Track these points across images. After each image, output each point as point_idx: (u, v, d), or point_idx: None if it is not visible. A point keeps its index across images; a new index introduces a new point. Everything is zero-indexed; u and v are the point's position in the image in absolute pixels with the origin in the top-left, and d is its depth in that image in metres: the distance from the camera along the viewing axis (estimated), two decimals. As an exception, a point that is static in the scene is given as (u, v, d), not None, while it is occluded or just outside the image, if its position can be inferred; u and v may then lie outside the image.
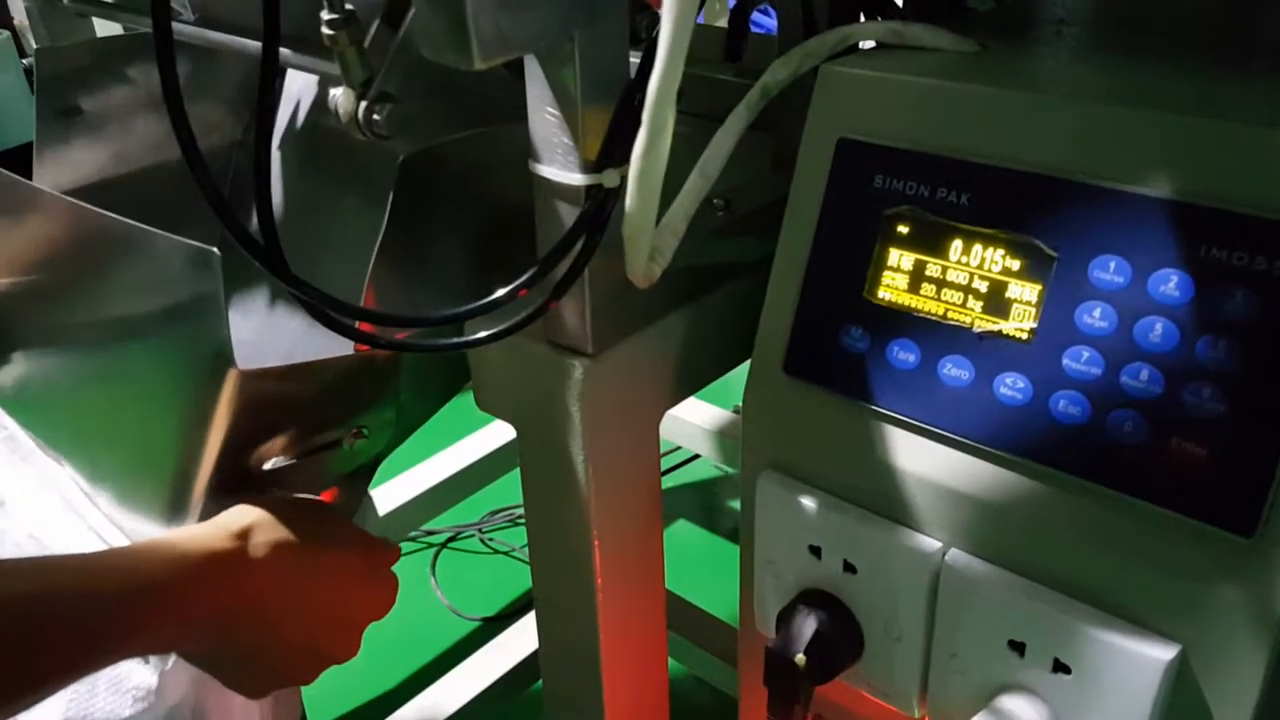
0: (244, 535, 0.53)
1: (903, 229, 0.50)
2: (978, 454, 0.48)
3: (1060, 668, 0.47)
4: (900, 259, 0.50)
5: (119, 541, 0.63)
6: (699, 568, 1.37)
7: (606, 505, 0.60)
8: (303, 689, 0.99)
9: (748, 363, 0.58)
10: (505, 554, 1.46)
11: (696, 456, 1.56)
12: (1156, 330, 0.43)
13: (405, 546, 1.46)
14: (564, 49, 0.47)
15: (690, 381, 0.64)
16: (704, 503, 1.56)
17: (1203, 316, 0.42)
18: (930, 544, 0.50)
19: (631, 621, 0.67)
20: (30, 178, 0.71)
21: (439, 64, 0.44)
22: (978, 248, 0.48)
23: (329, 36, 0.52)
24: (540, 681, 0.75)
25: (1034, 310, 0.46)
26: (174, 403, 0.57)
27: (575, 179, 0.50)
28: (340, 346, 0.54)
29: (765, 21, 1.52)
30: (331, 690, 1.24)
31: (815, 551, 0.54)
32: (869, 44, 0.56)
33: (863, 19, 0.68)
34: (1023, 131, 0.47)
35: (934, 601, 0.51)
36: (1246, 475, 0.41)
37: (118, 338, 0.60)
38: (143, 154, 0.77)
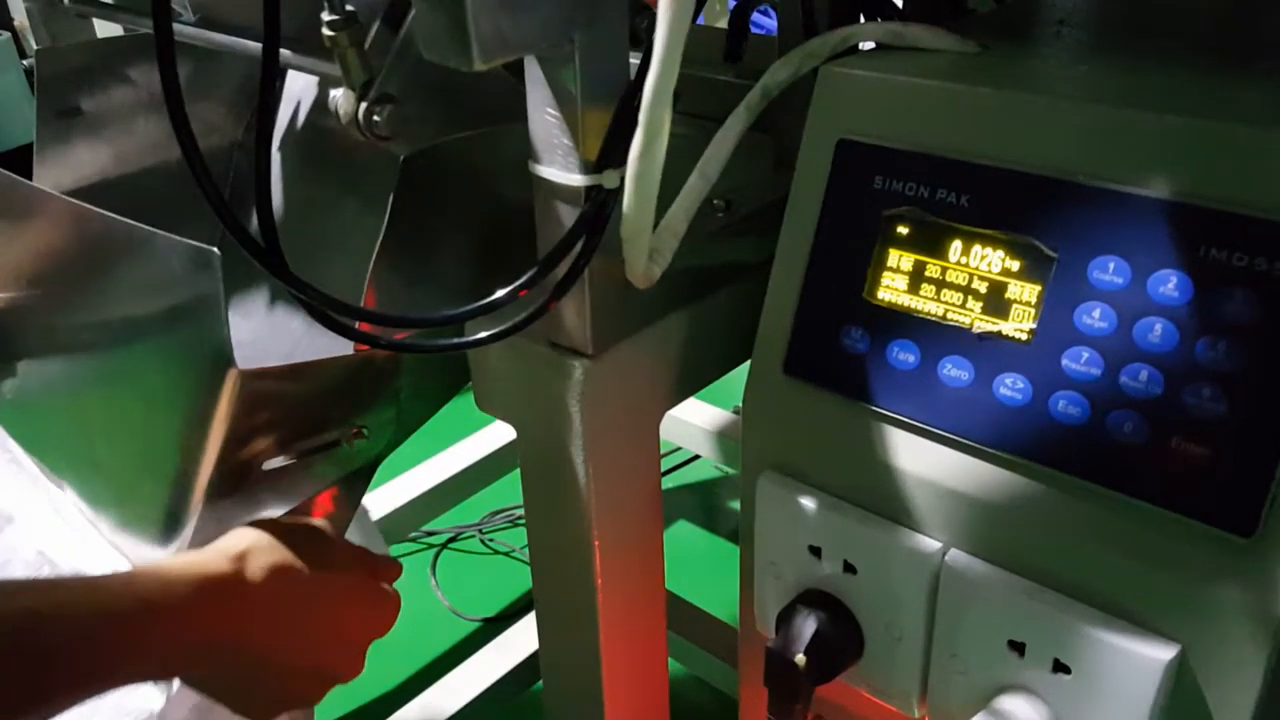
0: (241, 559, 0.52)
1: (903, 230, 0.50)
2: (977, 454, 0.48)
3: (1060, 668, 0.47)
4: (900, 260, 0.50)
5: (124, 558, 0.63)
6: (699, 568, 1.37)
7: (607, 506, 0.60)
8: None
9: (748, 363, 0.58)
10: (506, 555, 1.46)
11: (697, 457, 1.56)
12: (1156, 331, 0.43)
13: (406, 547, 1.46)
14: (564, 50, 0.47)
15: (690, 382, 0.64)
16: (704, 503, 1.56)
17: (1202, 317, 0.42)
18: (930, 544, 0.50)
19: (632, 622, 0.67)
20: (30, 178, 0.71)
21: (439, 65, 0.45)
22: (977, 248, 0.48)
23: (329, 37, 0.52)
24: (541, 682, 0.75)
25: (1033, 311, 0.46)
26: (174, 403, 0.57)
27: (575, 180, 0.50)
28: (340, 347, 0.54)
29: (765, 22, 1.52)
30: (332, 691, 1.24)
31: (815, 552, 0.54)
32: (869, 45, 0.56)
33: (863, 20, 0.68)
34: (1023, 132, 0.47)
35: (934, 602, 0.51)
36: (1246, 475, 0.41)
37: (118, 338, 0.60)
38: (143, 155, 0.77)
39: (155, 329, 0.57)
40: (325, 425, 0.61)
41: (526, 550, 0.69)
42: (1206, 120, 0.42)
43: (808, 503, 0.54)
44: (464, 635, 1.33)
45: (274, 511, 0.64)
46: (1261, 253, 0.41)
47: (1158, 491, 0.43)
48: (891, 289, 0.50)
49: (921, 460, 0.50)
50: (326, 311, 0.49)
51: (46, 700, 0.44)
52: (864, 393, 0.51)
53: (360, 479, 0.68)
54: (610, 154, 0.50)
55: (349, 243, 0.72)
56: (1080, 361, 0.45)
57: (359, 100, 0.54)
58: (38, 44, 0.81)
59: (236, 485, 0.58)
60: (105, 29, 0.82)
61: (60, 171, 0.74)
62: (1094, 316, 0.45)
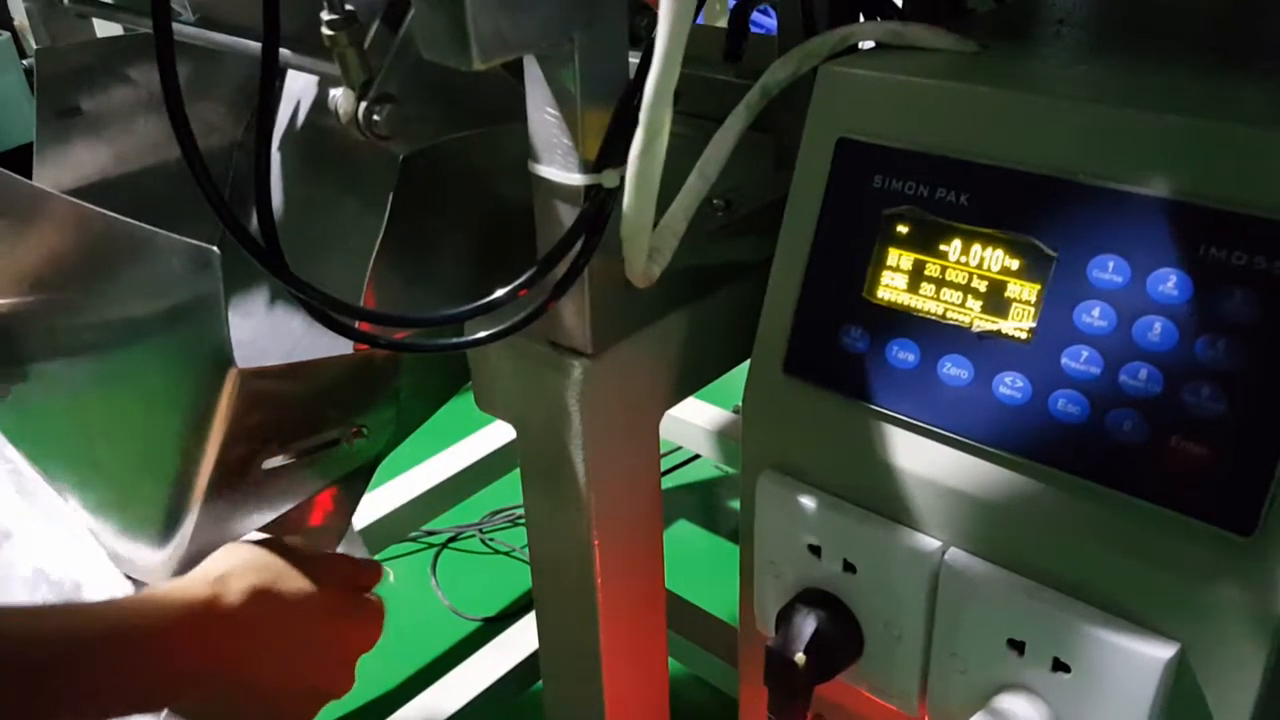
0: (219, 584, 0.52)
1: (902, 229, 0.50)
2: (977, 453, 0.48)
3: (1060, 666, 0.47)
4: (900, 259, 0.50)
5: (123, 574, 0.63)
6: (699, 568, 1.37)
7: (606, 505, 0.60)
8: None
9: (748, 362, 0.58)
10: (506, 554, 1.46)
11: (697, 457, 1.56)
12: (1155, 329, 0.43)
13: (406, 547, 1.46)
14: (563, 50, 0.47)
15: (690, 381, 0.64)
16: (704, 503, 1.56)
17: (1202, 316, 0.42)
18: (930, 543, 0.50)
19: (632, 621, 0.67)
20: (30, 178, 0.71)
21: (439, 65, 0.45)
22: (977, 247, 0.48)
23: (329, 37, 0.53)
24: (541, 682, 0.75)
25: (1033, 310, 0.46)
26: (174, 402, 0.57)
27: (575, 179, 0.50)
28: (340, 346, 0.54)
29: (765, 22, 1.52)
30: (332, 690, 1.24)
31: (815, 551, 0.54)
32: (869, 44, 0.57)
33: (862, 19, 0.68)
34: (1022, 131, 0.47)
35: (933, 600, 0.51)
36: (1245, 474, 0.41)
37: (118, 337, 0.60)
38: (143, 154, 0.77)
39: (155, 328, 0.57)
40: (325, 424, 0.61)
41: (526, 550, 0.69)
42: (1206, 120, 0.43)
43: (807, 502, 0.54)
44: (464, 635, 1.33)
45: (274, 512, 0.64)
46: (1261, 251, 0.41)
47: (1157, 490, 0.43)
48: (891, 288, 0.50)
49: (921, 459, 0.50)
50: (326, 311, 0.49)
51: None
52: (864, 392, 0.51)
53: (360, 478, 0.68)
54: (610, 153, 0.50)
55: (349, 242, 0.72)
56: (1080, 360, 0.45)
57: (358, 100, 0.54)
58: (37, 43, 0.82)
59: (236, 484, 0.58)
60: (105, 29, 0.82)
61: (60, 171, 0.75)
62: (1093, 315, 0.45)
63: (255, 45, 0.50)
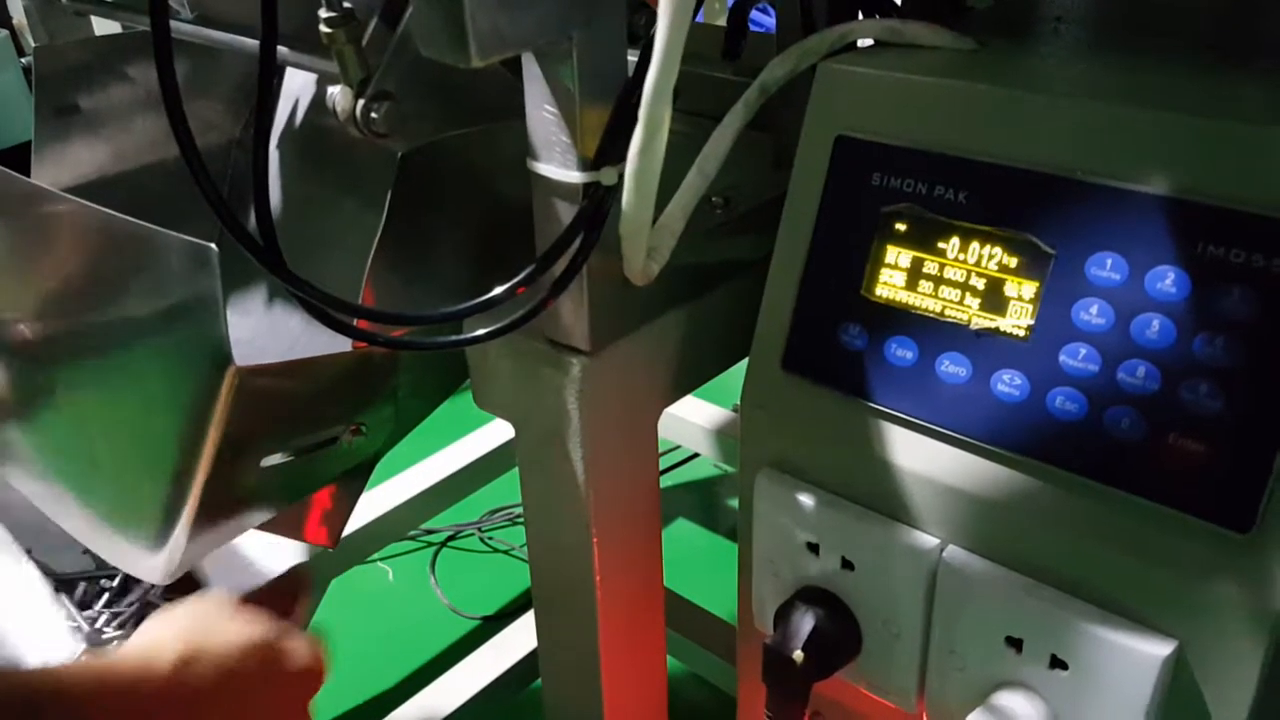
0: (148, 654, 0.50)
1: (901, 226, 0.50)
2: (975, 451, 0.48)
3: (1057, 664, 0.47)
4: (898, 256, 0.50)
5: (76, 640, 0.61)
6: (698, 566, 1.37)
7: (605, 503, 0.60)
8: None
9: (747, 360, 0.58)
10: (505, 553, 1.46)
11: (696, 455, 1.56)
12: (1153, 327, 0.43)
13: (404, 545, 1.46)
14: (562, 47, 0.47)
15: (689, 379, 0.64)
16: (703, 501, 1.56)
17: (1200, 313, 0.42)
18: (928, 541, 0.50)
19: (630, 620, 0.67)
20: (29, 176, 0.71)
21: (437, 62, 0.45)
22: (975, 245, 0.48)
23: (327, 34, 0.53)
24: (540, 680, 0.75)
25: (1031, 307, 0.46)
26: (172, 400, 0.57)
27: (573, 177, 0.50)
28: (338, 344, 0.54)
29: (764, 20, 1.52)
30: (331, 689, 1.24)
31: (813, 549, 0.54)
32: (867, 42, 0.57)
33: (861, 17, 0.68)
34: (1020, 129, 0.47)
35: (932, 598, 0.51)
36: (1243, 471, 0.41)
37: (116, 334, 0.60)
38: (141, 152, 0.77)
39: (154, 326, 0.57)
40: (324, 422, 0.61)
41: (525, 548, 0.69)
42: (1205, 118, 0.43)
43: (805, 499, 0.54)
44: (463, 633, 1.33)
45: (272, 510, 0.64)
46: (1259, 249, 0.41)
47: (1155, 487, 0.43)
48: (889, 285, 0.51)
49: (919, 457, 0.50)
50: (325, 309, 0.49)
51: None
52: (862, 389, 0.51)
53: (358, 476, 0.68)
54: (608, 151, 0.50)
55: (347, 240, 0.72)
56: (1078, 358, 0.45)
57: (356, 97, 0.54)
58: (36, 42, 0.82)
59: (235, 482, 0.58)
60: (103, 26, 0.82)
61: (58, 170, 0.75)
62: (1091, 313, 0.45)
63: (253, 43, 0.51)
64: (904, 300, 0.50)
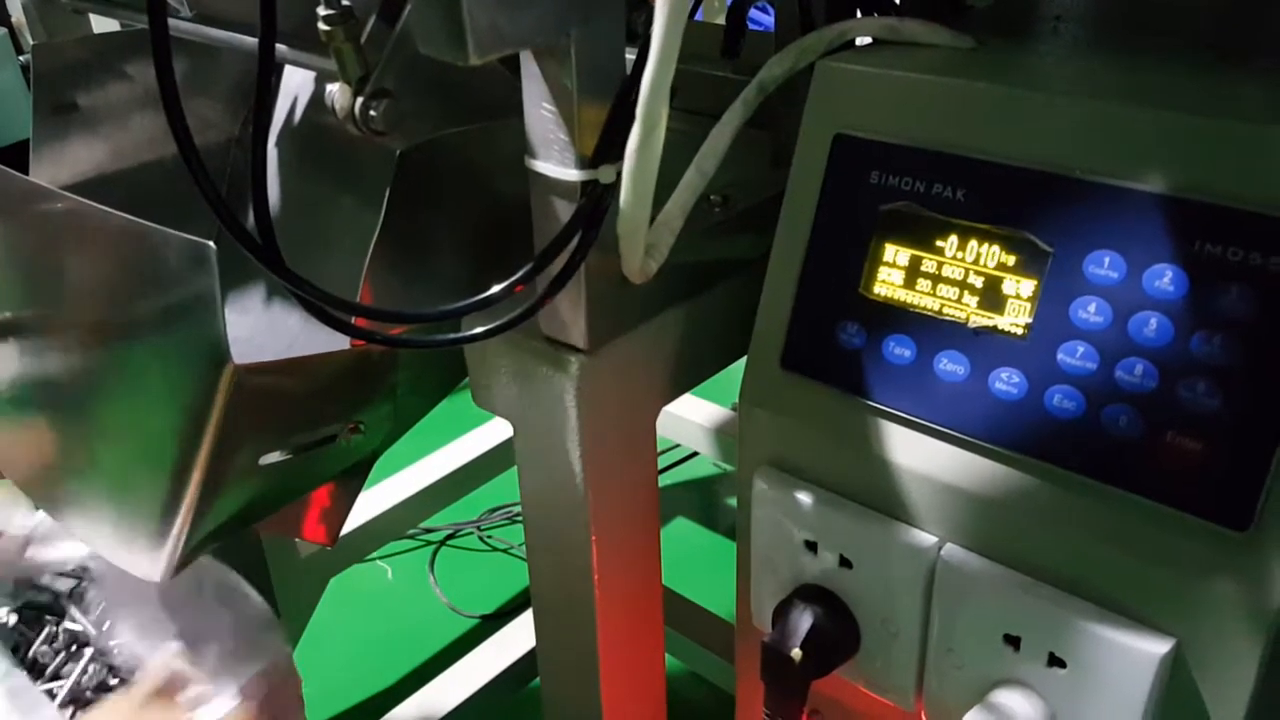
0: None
1: (899, 224, 0.50)
2: (973, 449, 0.48)
3: (1055, 662, 0.47)
4: (896, 254, 0.50)
5: None
6: (697, 565, 1.37)
7: (603, 502, 0.60)
8: (301, 685, 0.99)
9: (745, 359, 0.58)
10: (503, 551, 1.46)
11: (695, 454, 1.57)
12: (1151, 325, 0.43)
13: (403, 544, 1.46)
14: (560, 45, 0.47)
15: (687, 378, 0.64)
16: (702, 500, 1.56)
17: (1197, 311, 0.42)
18: (926, 539, 0.50)
19: (629, 618, 0.67)
20: (27, 174, 0.71)
21: (435, 60, 0.45)
22: (973, 243, 0.48)
23: (325, 32, 0.53)
24: (538, 679, 0.75)
25: (1029, 305, 0.46)
26: (171, 398, 0.57)
27: (571, 175, 0.50)
28: (337, 342, 0.54)
29: (763, 19, 1.52)
30: (330, 687, 1.24)
31: (811, 547, 0.54)
32: (866, 40, 0.57)
33: (859, 15, 0.68)
34: (1019, 127, 0.47)
35: (930, 596, 0.51)
36: (1241, 469, 0.41)
37: (114, 333, 0.60)
38: (140, 151, 0.77)
39: (152, 324, 0.57)
40: (322, 421, 0.61)
41: (524, 547, 0.69)
42: (1203, 116, 0.43)
43: (804, 497, 0.54)
44: (462, 632, 1.33)
45: (271, 508, 0.64)
46: (1257, 247, 0.41)
47: (1152, 485, 0.43)
48: (888, 284, 0.51)
49: (917, 455, 0.50)
50: (323, 307, 0.49)
51: None
52: (860, 387, 0.51)
53: (357, 475, 0.68)
54: (606, 149, 0.50)
55: (346, 238, 0.72)
56: (1075, 356, 0.45)
57: (355, 95, 0.54)
58: (34, 39, 0.82)
59: (233, 481, 0.58)
60: (102, 24, 0.82)
61: (57, 168, 0.74)
62: (1089, 311, 0.45)
63: (252, 41, 0.50)
64: (902, 298, 0.50)
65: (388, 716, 1.03)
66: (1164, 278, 0.43)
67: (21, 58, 2.03)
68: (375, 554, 1.37)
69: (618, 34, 0.49)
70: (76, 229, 0.58)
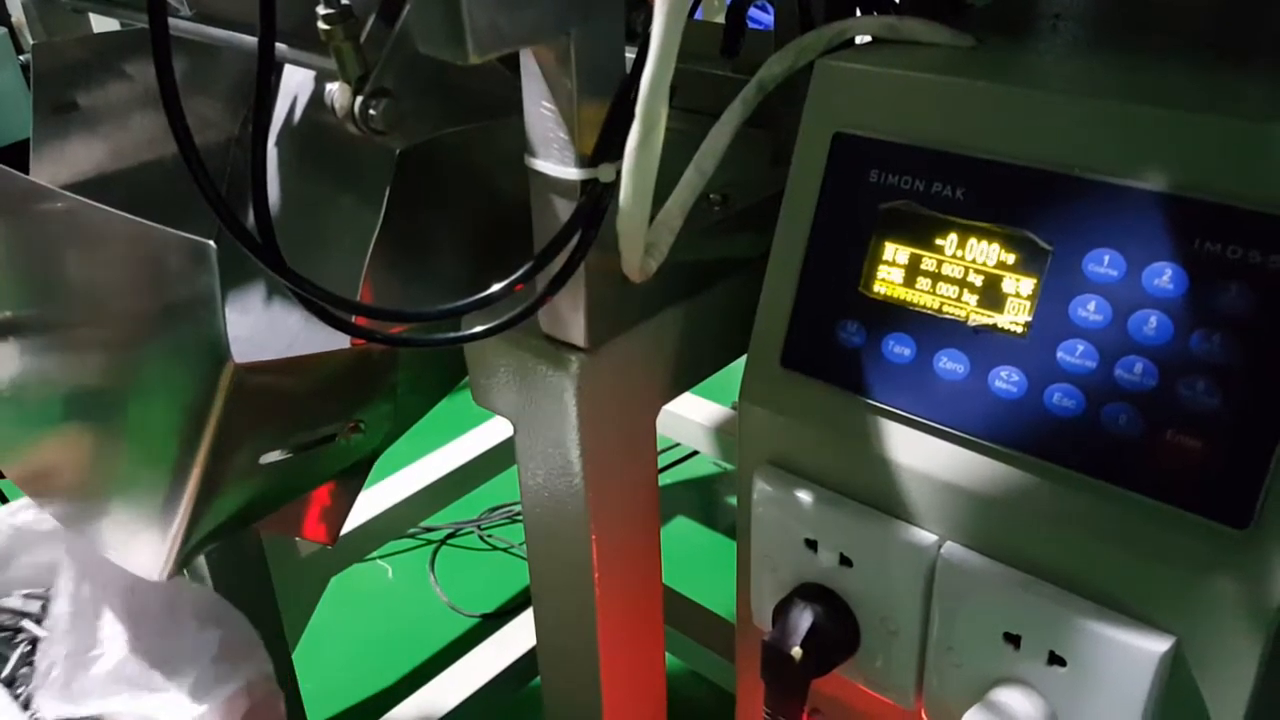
0: None
1: (898, 223, 0.50)
2: (973, 447, 0.48)
3: (1056, 660, 0.47)
4: (896, 253, 0.50)
5: None
6: (697, 564, 1.37)
7: (603, 501, 0.60)
8: (300, 685, 0.99)
9: (745, 357, 0.58)
10: (504, 550, 1.47)
11: (695, 453, 1.57)
12: (1151, 323, 0.43)
13: (404, 543, 1.46)
14: (560, 44, 0.47)
15: (687, 377, 0.64)
16: (702, 499, 1.57)
17: (1197, 310, 0.42)
18: (926, 537, 0.50)
19: (629, 617, 0.67)
20: (27, 174, 0.71)
21: (435, 59, 0.45)
22: (973, 241, 0.48)
23: (325, 31, 0.53)
24: (539, 678, 0.75)
25: (1029, 304, 0.46)
26: (170, 397, 0.57)
27: (571, 174, 0.50)
28: (337, 341, 0.55)
29: (763, 18, 1.52)
30: (331, 687, 1.24)
31: (811, 545, 0.54)
32: (865, 39, 0.57)
33: (859, 13, 0.68)
34: (1018, 126, 0.47)
35: (930, 595, 0.51)
36: (1240, 467, 0.41)
37: (114, 332, 0.60)
38: (140, 150, 0.77)
39: (152, 323, 0.57)
40: (322, 420, 0.61)
41: (524, 546, 0.69)
42: (1202, 114, 0.43)
43: (804, 496, 0.54)
44: (462, 631, 1.33)
45: (271, 508, 0.64)
46: (1256, 246, 0.41)
47: (1152, 484, 0.43)
48: (887, 282, 0.51)
49: (917, 453, 0.50)
50: (323, 306, 0.49)
51: None
52: (860, 386, 0.51)
53: (357, 474, 0.68)
54: (606, 148, 0.50)
55: (345, 237, 0.72)
56: (1075, 354, 0.45)
57: (355, 94, 0.54)
58: (34, 39, 0.81)
59: (233, 480, 0.58)
60: (102, 24, 0.82)
61: (57, 168, 0.74)
62: (1089, 309, 0.45)
63: (251, 40, 0.50)
64: (902, 297, 0.50)
65: (388, 716, 1.04)
66: (1163, 276, 0.43)
67: (22, 57, 2.03)
68: (375, 553, 1.37)
69: (617, 33, 0.49)
70: (77, 229, 0.58)
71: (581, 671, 0.68)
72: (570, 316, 0.55)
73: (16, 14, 2.02)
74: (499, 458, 1.34)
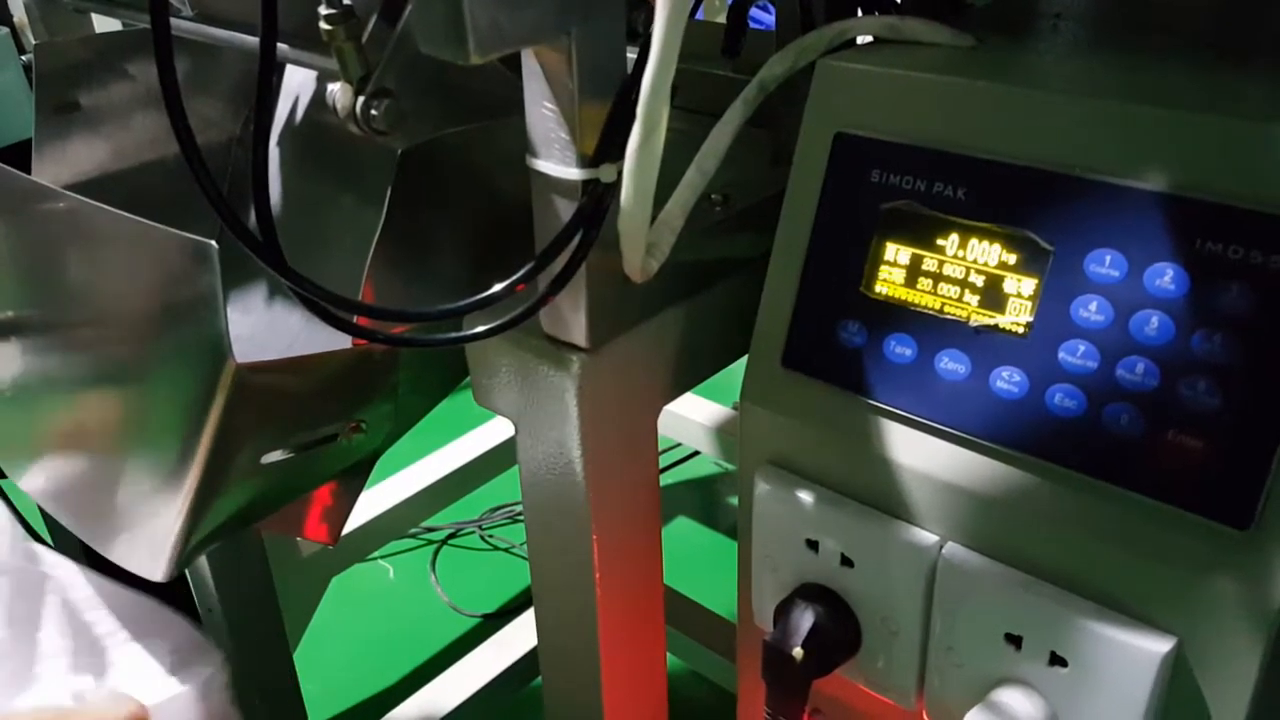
0: None
1: (900, 223, 0.50)
2: (974, 448, 0.48)
3: (1057, 661, 0.47)
4: (897, 253, 0.50)
5: None
6: (698, 564, 1.37)
7: (605, 501, 0.60)
8: (302, 685, 1.00)
9: (746, 358, 0.58)
10: (505, 551, 1.47)
11: (696, 453, 1.57)
12: (1152, 324, 0.43)
13: (405, 543, 1.46)
14: (561, 44, 0.47)
15: (688, 377, 0.64)
16: (703, 499, 1.57)
17: (1198, 310, 0.42)
18: (927, 538, 0.50)
19: (630, 617, 0.67)
20: (29, 174, 0.71)
21: (436, 59, 0.45)
22: (974, 242, 0.48)
23: (326, 31, 0.53)
24: (540, 678, 0.75)
25: (1030, 304, 0.46)
26: (171, 397, 0.57)
27: (572, 174, 0.50)
28: (338, 341, 0.55)
29: (764, 18, 1.52)
30: (331, 687, 1.24)
31: (813, 545, 0.54)
32: (866, 39, 0.57)
33: (860, 14, 0.68)
34: (1019, 126, 0.47)
35: (931, 595, 0.51)
36: (1242, 468, 0.41)
37: (115, 331, 0.60)
38: (141, 150, 0.77)
39: (153, 323, 0.57)
40: (323, 420, 0.61)
41: (525, 546, 0.69)
42: (1203, 114, 0.43)
43: (805, 496, 0.54)
44: (463, 631, 1.33)
45: (271, 508, 0.64)
46: (1257, 246, 0.41)
47: (1154, 484, 0.43)
48: (889, 282, 0.51)
49: (918, 454, 0.50)
50: (325, 306, 0.49)
51: None
52: (861, 386, 0.51)
53: (358, 474, 0.68)
54: (607, 148, 0.50)
55: (347, 237, 0.72)
56: (1076, 354, 0.45)
57: (356, 94, 0.54)
58: (36, 39, 0.82)
59: (234, 480, 0.58)
60: (103, 24, 0.82)
61: (58, 167, 0.75)
62: (1090, 309, 0.45)
63: (253, 40, 0.51)
64: (903, 297, 0.50)
65: (389, 716, 1.04)
66: (1165, 276, 0.43)
67: (23, 57, 2.03)
68: (377, 553, 1.37)
69: (618, 32, 0.49)
70: (78, 228, 0.58)
71: (582, 672, 0.68)
72: (571, 316, 0.55)
73: (18, 14, 2.02)
74: (500, 458, 1.34)
